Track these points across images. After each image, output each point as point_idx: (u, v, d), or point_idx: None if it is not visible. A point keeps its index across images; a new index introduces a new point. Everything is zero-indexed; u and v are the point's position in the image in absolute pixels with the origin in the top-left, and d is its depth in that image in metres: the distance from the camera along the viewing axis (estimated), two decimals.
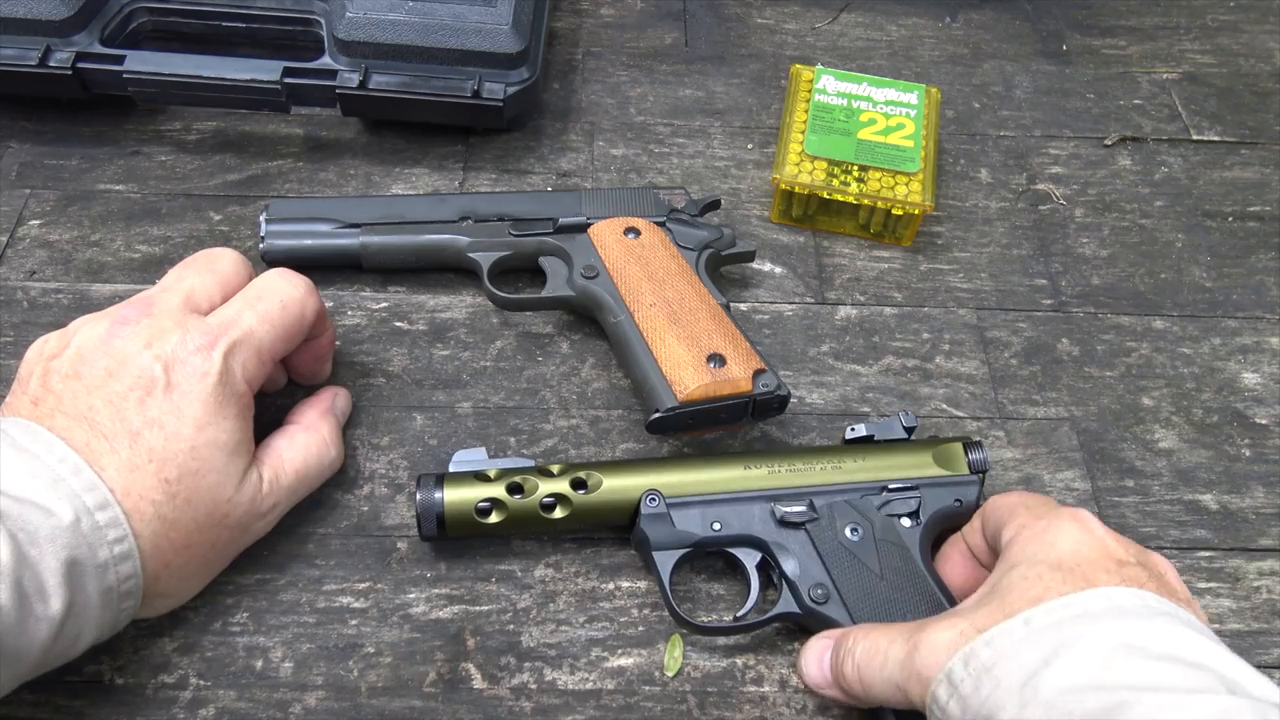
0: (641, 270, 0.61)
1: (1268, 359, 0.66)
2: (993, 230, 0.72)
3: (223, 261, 0.54)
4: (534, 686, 0.51)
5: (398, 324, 0.64)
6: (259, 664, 0.51)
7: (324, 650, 0.52)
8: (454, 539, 0.54)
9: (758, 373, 0.56)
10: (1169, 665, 0.38)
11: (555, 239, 0.64)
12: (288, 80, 0.68)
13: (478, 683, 0.51)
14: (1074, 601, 0.42)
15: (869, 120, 0.71)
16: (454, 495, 0.52)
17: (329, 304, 0.64)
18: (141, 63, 0.67)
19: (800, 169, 0.69)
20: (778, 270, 0.69)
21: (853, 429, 0.57)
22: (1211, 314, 0.68)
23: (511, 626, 0.53)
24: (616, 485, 0.53)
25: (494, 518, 0.52)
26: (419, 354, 0.63)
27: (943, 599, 0.51)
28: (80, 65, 0.67)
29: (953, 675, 0.42)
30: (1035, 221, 0.73)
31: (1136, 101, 0.81)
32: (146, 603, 0.47)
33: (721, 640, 0.53)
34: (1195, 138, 0.79)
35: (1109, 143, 0.78)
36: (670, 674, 0.52)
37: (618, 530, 0.55)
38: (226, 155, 0.73)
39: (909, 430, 0.57)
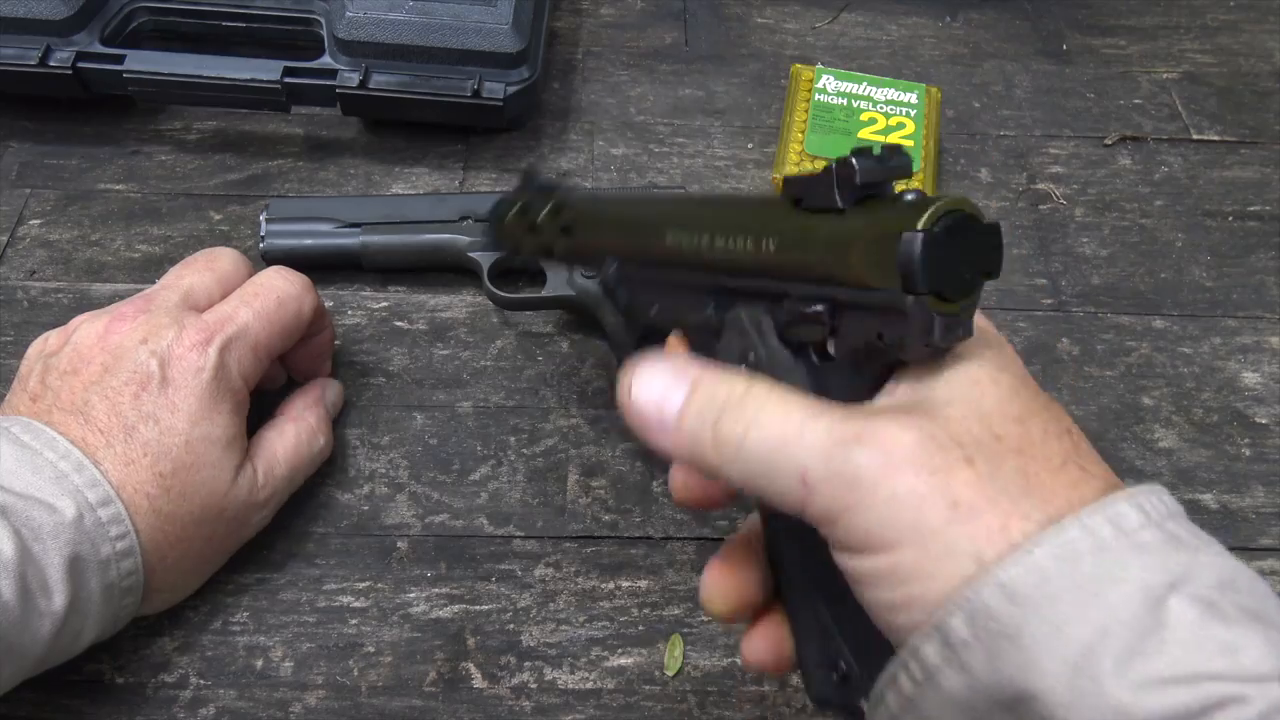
0: None
1: (1268, 359, 0.66)
2: None
3: (222, 260, 0.54)
4: (534, 686, 0.51)
5: (398, 323, 0.64)
6: (259, 663, 0.51)
7: (324, 650, 0.52)
8: None
9: None
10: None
11: None
12: (288, 80, 0.68)
13: (478, 682, 0.51)
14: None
15: (869, 120, 0.71)
16: None
17: (329, 303, 0.64)
18: (141, 62, 0.67)
19: (800, 169, 0.69)
20: None
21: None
22: (1211, 314, 0.68)
23: (511, 626, 0.53)
24: None
25: None
26: (419, 353, 0.63)
27: None
28: (80, 65, 0.67)
29: (950, 635, 0.28)
30: (1035, 221, 0.73)
31: (1136, 101, 0.81)
32: (145, 598, 0.47)
33: (722, 639, 0.53)
34: (1195, 137, 0.79)
35: (1109, 142, 0.78)
36: (670, 673, 0.52)
37: None
38: (226, 155, 0.73)
39: (866, 186, 0.30)
